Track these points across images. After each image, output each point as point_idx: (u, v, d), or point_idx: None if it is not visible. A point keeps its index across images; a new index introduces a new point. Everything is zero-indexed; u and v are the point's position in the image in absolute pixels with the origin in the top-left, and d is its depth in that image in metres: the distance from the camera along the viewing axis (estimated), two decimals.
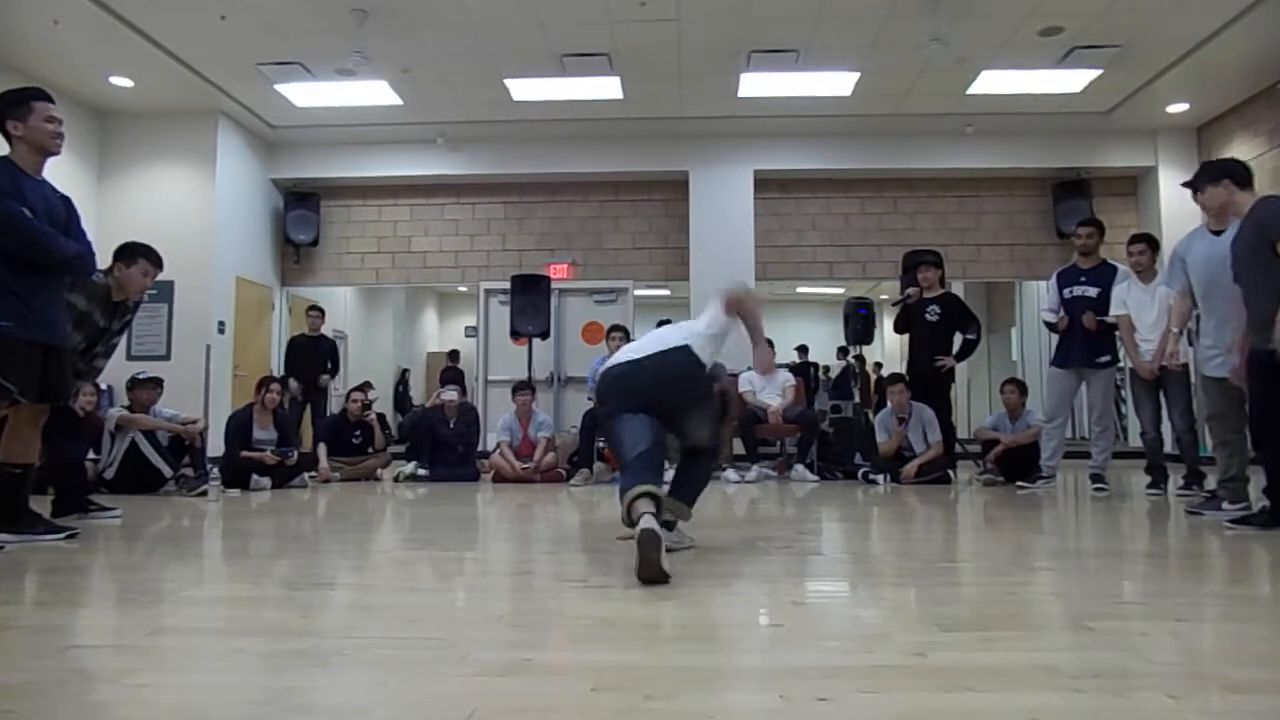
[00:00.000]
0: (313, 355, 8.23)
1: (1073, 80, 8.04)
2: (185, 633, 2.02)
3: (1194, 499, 4.56)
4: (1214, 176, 3.98)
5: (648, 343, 3.12)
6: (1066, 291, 5.64)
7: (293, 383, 7.93)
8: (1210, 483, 5.11)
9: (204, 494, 5.44)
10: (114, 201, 8.58)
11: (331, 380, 8.43)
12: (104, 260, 4.14)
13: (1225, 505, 4.03)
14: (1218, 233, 4.03)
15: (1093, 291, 5.52)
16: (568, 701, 1.45)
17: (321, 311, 8.51)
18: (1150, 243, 5.35)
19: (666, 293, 11.97)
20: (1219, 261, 3.90)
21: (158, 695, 1.52)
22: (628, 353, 3.13)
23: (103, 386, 6.65)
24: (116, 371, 5.93)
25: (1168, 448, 5.47)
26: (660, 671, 1.63)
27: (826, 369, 13.90)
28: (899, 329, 6.89)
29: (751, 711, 1.41)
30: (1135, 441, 6.86)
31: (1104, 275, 5.54)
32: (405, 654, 1.76)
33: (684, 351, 3.00)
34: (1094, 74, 7.88)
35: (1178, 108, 8.70)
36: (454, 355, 14.31)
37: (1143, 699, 1.43)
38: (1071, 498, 5.34)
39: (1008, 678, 1.56)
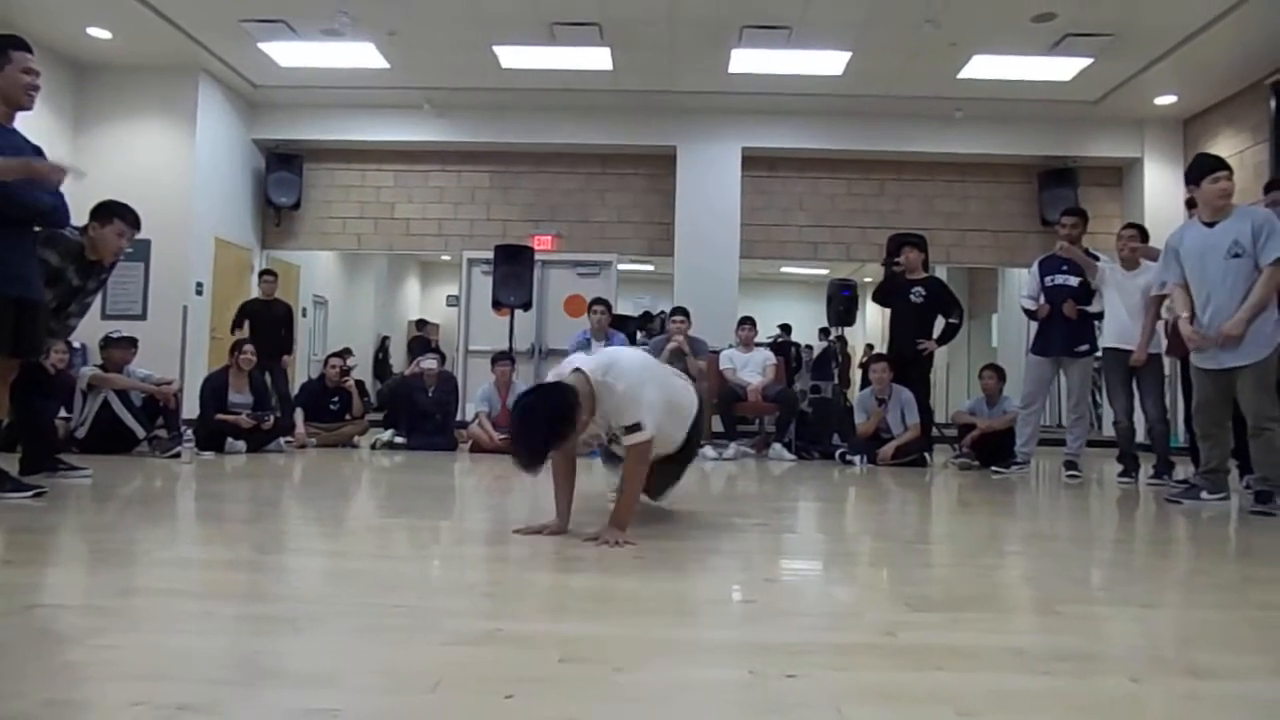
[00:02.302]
0: (267, 320, 7.85)
1: (1063, 68, 8.04)
2: (155, 594, 2.00)
3: (1172, 489, 4.60)
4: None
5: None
6: (1048, 279, 5.67)
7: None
8: (1179, 473, 5.18)
9: (177, 456, 5.38)
10: (90, 157, 8.36)
11: (290, 356, 8.08)
12: (79, 217, 4.07)
13: (1204, 495, 4.08)
14: (1210, 224, 4.05)
15: (1074, 281, 5.54)
16: (535, 672, 1.45)
17: (275, 275, 8.18)
18: (1142, 232, 5.38)
19: (650, 268, 11.95)
20: (1212, 252, 3.97)
21: (125, 656, 1.50)
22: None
23: (75, 345, 6.55)
24: (90, 329, 5.83)
25: (1139, 437, 5.54)
26: (629, 643, 1.64)
27: (808, 348, 13.93)
28: (879, 299, 6.86)
29: (719, 685, 1.42)
30: (1109, 430, 6.94)
31: None
32: (376, 621, 1.75)
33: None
34: (1084, 62, 7.88)
35: (1165, 100, 8.72)
36: (421, 325, 14.21)
37: (1107, 682, 1.45)
38: (1044, 483, 5.40)
39: (976, 658, 1.58)
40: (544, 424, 2.55)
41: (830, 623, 1.86)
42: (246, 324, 7.76)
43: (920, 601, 2.03)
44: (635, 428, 2.72)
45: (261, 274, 8.29)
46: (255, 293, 8.46)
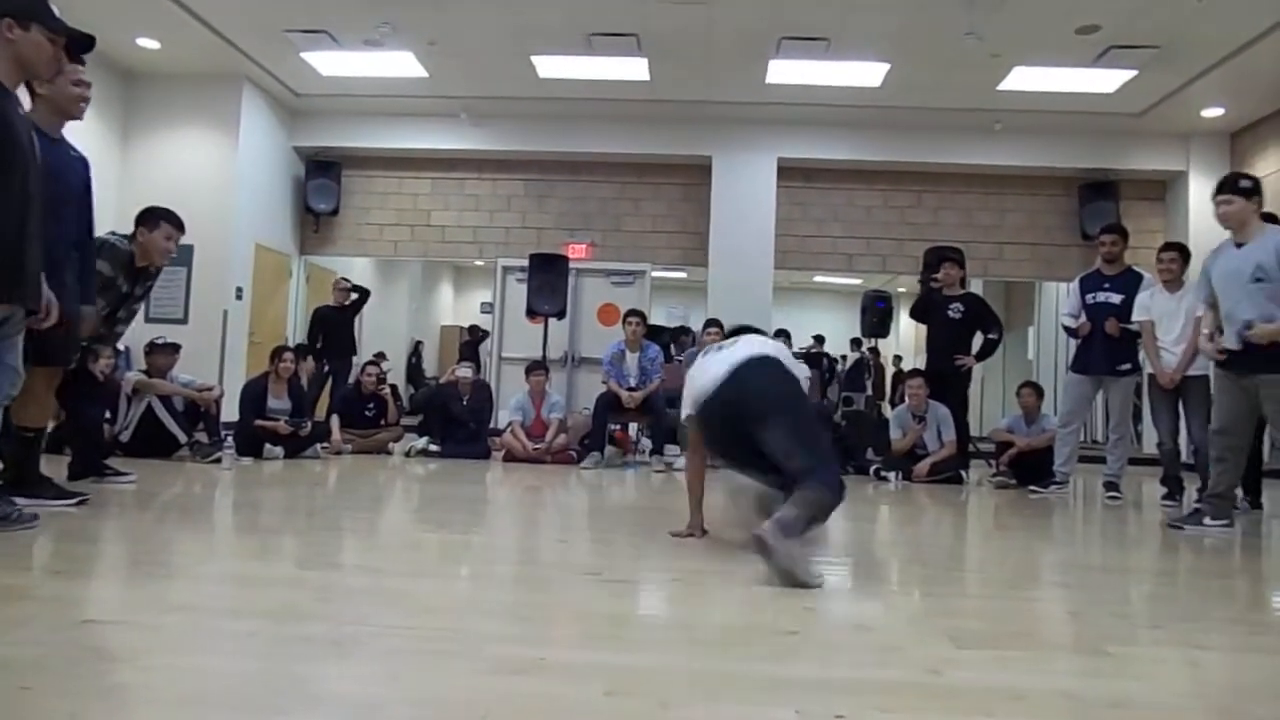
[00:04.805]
0: (340, 326, 8.21)
1: (1106, 80, 7.92)
2: (199, 611, 2.02)
3: (1175, 513, 4.55)
4: (1249, 190, 3.99)
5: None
6: (1089, 297, 5.57)
7: (309, 360, 7.89)
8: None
9: (218, 461, 5.46)
10: (138, 164, 8.59)
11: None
12: (126, 224, 4.14)
13: (1207, 521, 4.00)
14: (1240, 245, 3.98)
15: (1116, 298, 5.44)
16: (581, 705, 1.44)
17: (349, 283, 8.51)
18: (1182, 252, 5.28)
19: (684, 276, 11.93)
20: (1235, 276, 3.91)
21: (174, 678, 1.52)
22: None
23: (119, 348, 6.68)
24: (135, 334, 5.95)
25: (1184, 458, 5.42)
26: (673, 676, 1.63)
27: (842, 358, 13.82)
28: (916, 315, 6.81)
29: None
30: (1150, 448, 6.80)
31: (1129, 282, 5.46)
32: (418, 645, 1.76)
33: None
34: (1129, 75, 7.75)
35: (1212, 112, 8.55)
36: (474, 330, 14.36)
37: None
38: (1084, 505, 5.30)
39: (1024, 702, 1.54)
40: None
41: (873, 658, 1.83)
42: (309, 332, 8.12)
43: (964, 636, 2.00)
44: None
45: (336, 281, 8.54)
46: (293, 298, 8.62)
